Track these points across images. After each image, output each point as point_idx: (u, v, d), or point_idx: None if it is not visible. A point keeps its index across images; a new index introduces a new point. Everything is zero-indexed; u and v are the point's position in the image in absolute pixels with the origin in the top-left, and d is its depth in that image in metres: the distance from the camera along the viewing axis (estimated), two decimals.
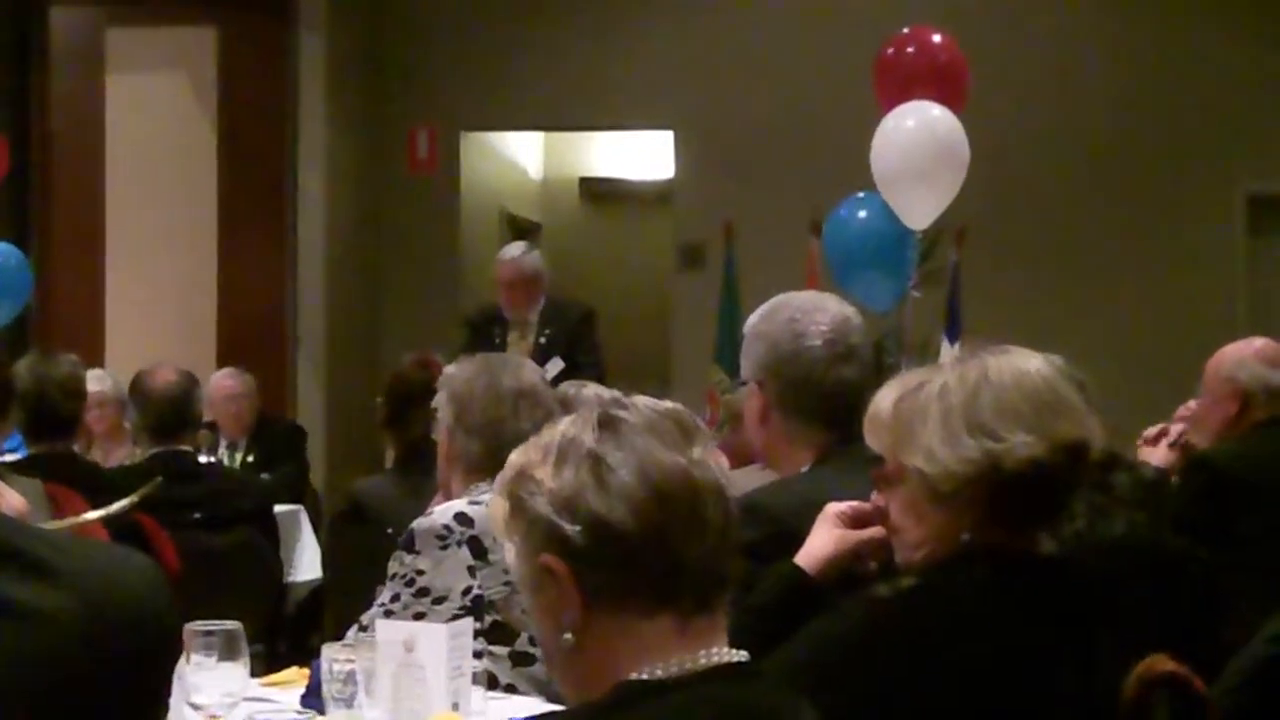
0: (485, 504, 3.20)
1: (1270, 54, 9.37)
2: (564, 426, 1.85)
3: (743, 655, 1.78)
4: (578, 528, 1.76)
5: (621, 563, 1.76)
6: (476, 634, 3.08)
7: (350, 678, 2.66)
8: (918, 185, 6.05)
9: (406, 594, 3.20)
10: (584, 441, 1.80)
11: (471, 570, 3.19)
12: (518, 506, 1.83)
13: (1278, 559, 4.09)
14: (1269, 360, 4.57)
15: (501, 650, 3.16)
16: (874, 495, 2.55)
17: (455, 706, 2.64)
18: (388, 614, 3.15)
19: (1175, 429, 4.55)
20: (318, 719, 2.72)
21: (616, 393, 1.94)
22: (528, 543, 1.82)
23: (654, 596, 1.76)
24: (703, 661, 1.75)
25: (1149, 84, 9.51)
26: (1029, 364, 2.39)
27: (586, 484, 1.77)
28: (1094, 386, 2.99)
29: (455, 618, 3.07)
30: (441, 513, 3.25)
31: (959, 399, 2.34)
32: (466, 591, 3.17)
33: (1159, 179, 9.50)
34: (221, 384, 7.64)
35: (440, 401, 3.49)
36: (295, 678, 3.12)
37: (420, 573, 3.20)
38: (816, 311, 3.12)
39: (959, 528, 2.34)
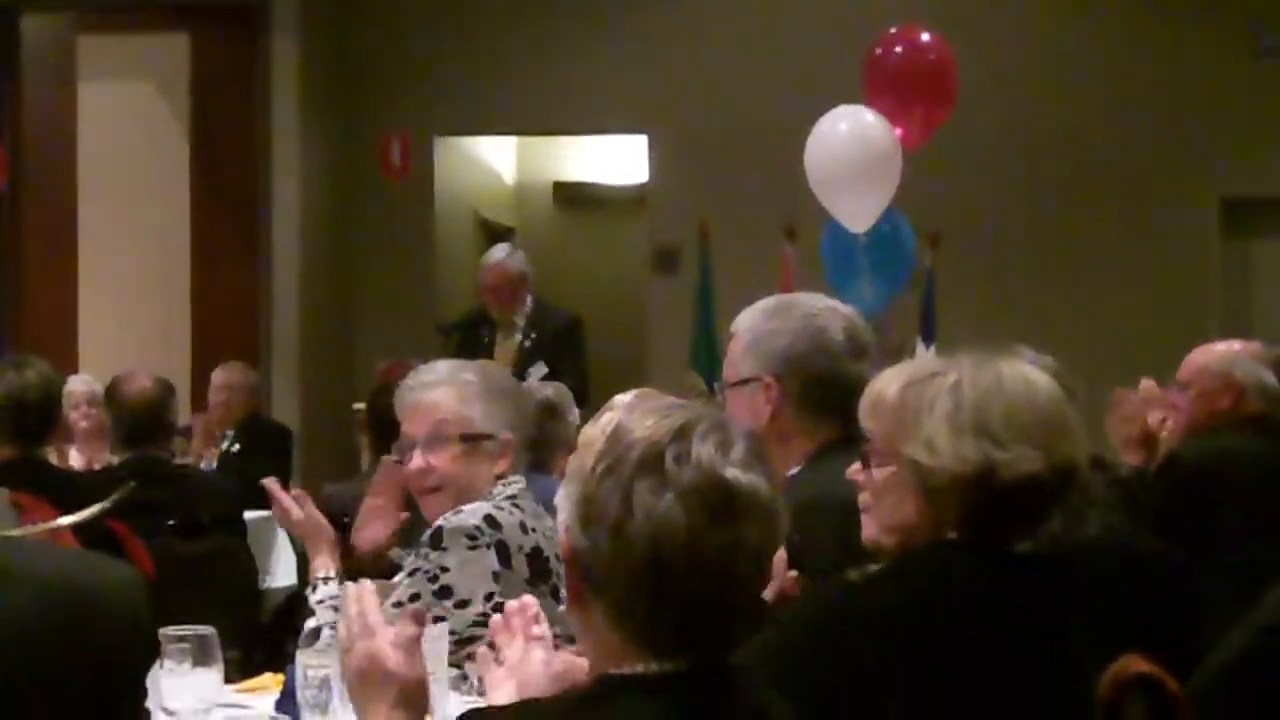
0: (507, 509, 3.20)
1: (1246, 57, 9.40)
2: (633, 420, 1.78)
3: None
4: (585, 544, 1.76)
5: (613, 601, 1.75)
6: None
7: (325, 683, 2.64)
8: (851, 189, 6.06)
9: (428, 592, 3.10)
10: (628, 465, 1.75)
11: (495, 576, 3.11)
12: (569, 467, 1.83)
13: (1253, 556, 4.09)
14: (1258, 358, 4.66)
15: None
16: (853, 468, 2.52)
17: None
18: None
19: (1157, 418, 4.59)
20: None
21: (695, 422, 1.77)
22: (565, 510, 1.82)
23: (642, 644, 1.74)
24: (683, 663, 1.74)
25: (1124, 88, 9.52)
26: (1041, 379, 2.39)
27: (608, 515, 1.74)
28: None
29: (477, 623, 3.04)
30: (471, 512, 3.17)
31: (970, 399, 2.33)
32: (489, 597, 3.09)
33: (1134, 182, 9.52)
34: (214, 375, 7.94)
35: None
36: (270, 683, 3.11)
37: (444, 570, 3.11)
38: (829, 311, 3.16)
39: (938, 523, 2.33)
